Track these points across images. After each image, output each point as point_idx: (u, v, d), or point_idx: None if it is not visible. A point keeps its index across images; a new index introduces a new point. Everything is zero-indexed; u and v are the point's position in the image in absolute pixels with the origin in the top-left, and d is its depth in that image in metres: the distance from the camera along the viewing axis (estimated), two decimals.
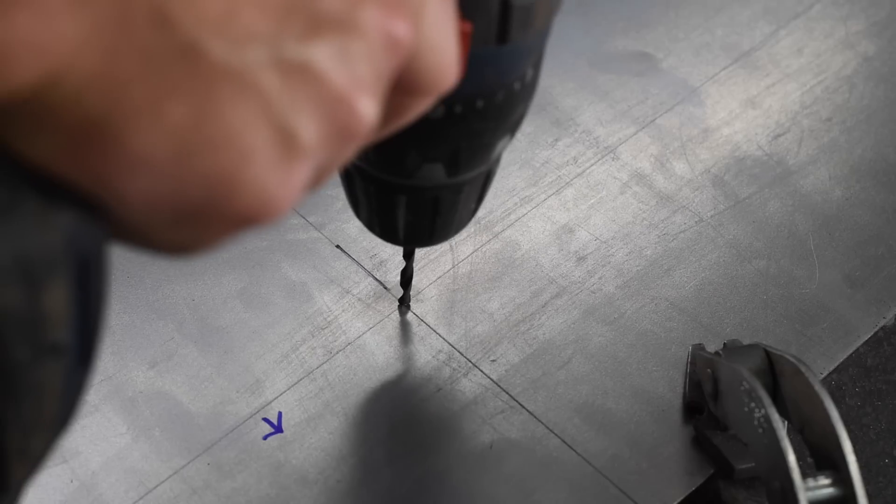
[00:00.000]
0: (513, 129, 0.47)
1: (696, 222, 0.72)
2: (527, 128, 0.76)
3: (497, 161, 0.51)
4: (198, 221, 0.28)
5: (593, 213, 0.72)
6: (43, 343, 0.26)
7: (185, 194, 0.27)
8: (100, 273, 0.28)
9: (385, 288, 0.68)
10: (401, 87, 0.31)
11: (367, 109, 0.29)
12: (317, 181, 0.31)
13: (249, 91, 0.26)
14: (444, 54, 0.32)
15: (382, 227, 0.54)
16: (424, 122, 0.43)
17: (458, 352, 0.66)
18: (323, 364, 0.65)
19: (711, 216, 0.72)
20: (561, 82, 0.79)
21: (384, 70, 0.29)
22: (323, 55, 0.27)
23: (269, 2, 0.26)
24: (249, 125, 0.27)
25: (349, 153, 0.30)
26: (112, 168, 0.26)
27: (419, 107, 0.33)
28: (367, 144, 0.34)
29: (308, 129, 0.28)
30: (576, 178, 0.74)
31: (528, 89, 0.45)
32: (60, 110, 0.25)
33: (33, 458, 0.28)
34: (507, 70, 0.43)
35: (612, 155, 0.75)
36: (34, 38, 0.24)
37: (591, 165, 0.75)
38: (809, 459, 0.56)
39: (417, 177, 0.48)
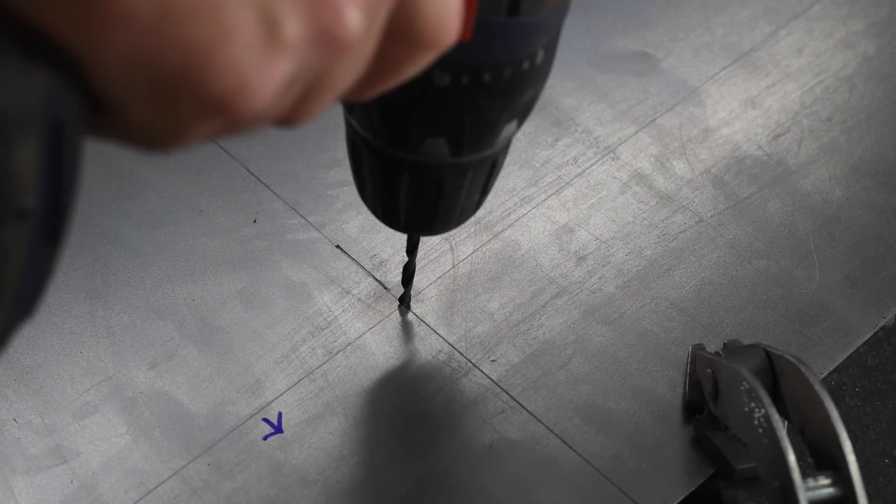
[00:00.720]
0: (521, 114, 0.47)
1: (696, 222, 0.72)
2: (527, 128, 0.76)
3: (504, 151, 0.51)
4: (172, 96, 0.28)
5: (593, 213, 0.72)
6: (9, 204, 0.26)
7: (163, 60, 0.27)
8: (73, 145, 0.28)
9: (385, 288, 0.68)
10: (396, 33, 0.32)
11: (353, 19, 0.29)
12: (295, 91, 0.31)
13: None
14: (444, 4, 0.32)
15: (385, 208, 0.53)
16: (430, 89, 0.43)
17: (458, 352, 0.66)
18: (323, 364, 0.65)
19: (711, 216, 0.72)
20: (561, 82, 0.79)
21: None
22: None
23: None
24: (234, 2, 0.27)
25: (335, 68, 0.30)
26: (94, 22, 0.26)
27: (416, 61, 0.33)
28: (369, 99, 0.34)
29: (292, 22, 0.28)
30: (576, 178, 0.74)
31: (538, 72, 0.45)
32: None
33: None
34: (516, 45, 0.42)
35: (612, 155, 0.75)
36: None
37: (591, 165, 0.75)
38: (809, 459, 0.56)
39: (421, 152, 0.48)
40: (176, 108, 0.28)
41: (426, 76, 0.42)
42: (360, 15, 0.29)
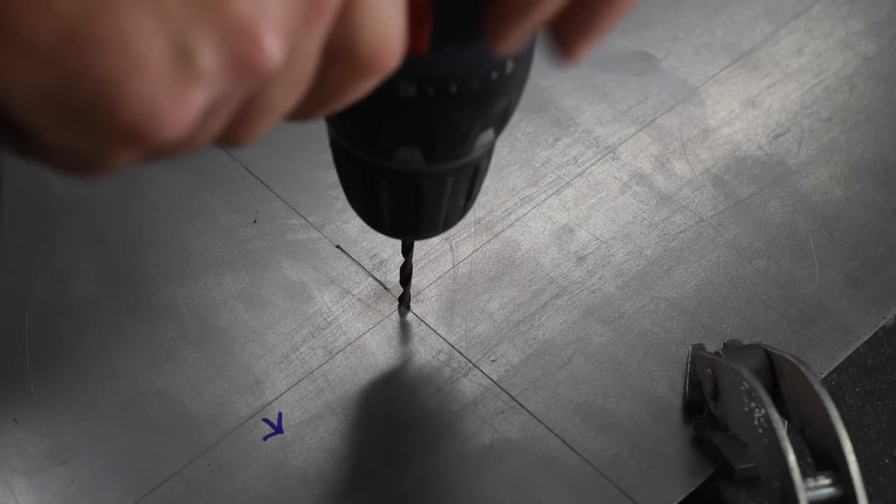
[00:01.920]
0: (496, 122, 0.46)
1: (696, 222, 0.72)
2: (527, 128, 0.76)
3: (486, 157, 0.50)
4: (83, 125, 0.27)
5: (593, 213, 0.72)
6: None
7: (69, 89, 0.27)
8: None
9: (385, 288, 0.68)
10: (336, 55, 0.31)
11: (272, 47, 0.28)
12: (223, 117, 0.30)
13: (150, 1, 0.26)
14: (385, 26, 0.31)
15: (369, 213, 0.53)
16: (396, 99, 0.43)
17: (458, 352, 0.66)
18: (323, 364, 0.65)
19: (711, 216, 0.72)
20: (561, 82, 0.79)
21: (297, 12, 0.28)
22: None
23: None
24: (144, 32, 0.26)
25: (255, 91, 0.30)
26: (1, 52, 0.26)
27: (360, 84, 0.32)
28: (312, 116, 0.33)
29: (207, 52, 0.27)
30: (576, 178, 0.74)
31: (510, 81, 0.44)
32: None
33: None
34: (480, 57, 0.41)
35: (612, 155, 0.75)
36: None
37: (591, 165, 0.75)
38: (809, 459, 0.56)
39: (396, 160, 0.47)
40: (88, 137, 0.28)
41: (392, 87, 0.42)
42: (280, 42, 0.28)
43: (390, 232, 0.55)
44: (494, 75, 0.42)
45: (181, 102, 0.28)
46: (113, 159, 0.29)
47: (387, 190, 0.50)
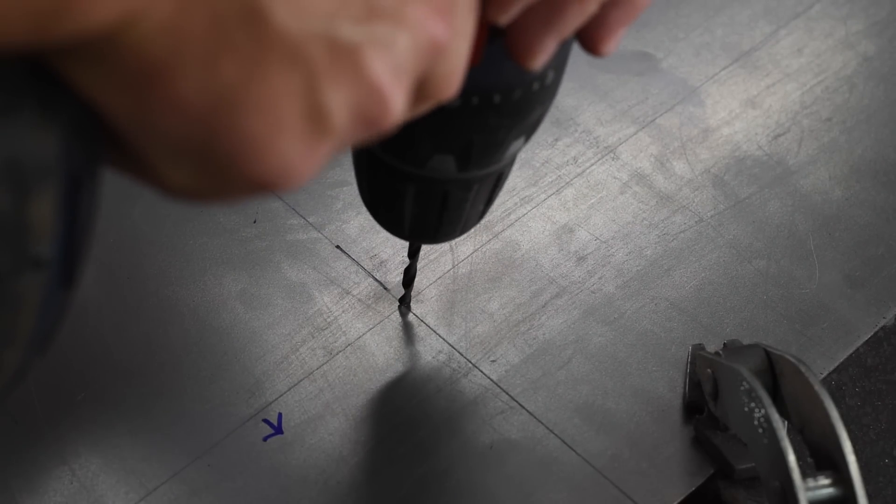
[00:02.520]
0: (529, 131, 0.47)
1: (696, 222, 0.72)
2: None
3: (510, 164, 0.51)
4: (216, 176, 0.28)
5: (593, 213, 0.72)
6: (25, 253, 0.27)
7: (211, 146, 0.28)
8: (90, 193, 0.29)
9: (385, 288, 0.68)
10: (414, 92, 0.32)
11: (398, 103, 0.29)
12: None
13: (299, 63, 0.27)
14: (458, 60, 0.32)
15: (390, 218, 0.54)
16: (440, 110, 0.43)
17: (458, 352, 0.66)
18: (323, 365, 0.65)
19: (711, 216, 0.72)
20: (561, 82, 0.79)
21: (418, 67, 0.30)
22: (371, 41, 0.28)
23: None
24: (290, 96, 0.27)
25: (364, 139, 0.31)
26: (150, 106, 0.27)
27: (419, 109, 0.33)
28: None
29: (341, 111, 0.29)
30: (576, 177, 0.74)
31: (548, 92, 0.45)
32: (126, 51, 0.26)
33: (6, 372, 0.28)
34: (524, 69, 0.42)
35: (612, 155, 0.75)
36: None
37: (591, 165, 0.75)
38: (809, 459, 0.56)
39: (428, 167, 0.48)
40: (216, 184, 0.29)
41: None
42: (404, 96, 0.30)
43: (408, 237, 0.55)
44: (536, 86, 0.44)
45: (312, 157, 0.29)
46: (224, 200, 0.30)
47: (412, 195, 0.50)
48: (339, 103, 0.28)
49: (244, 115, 0.27)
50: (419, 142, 0.46)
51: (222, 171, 0.28)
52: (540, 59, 0.37)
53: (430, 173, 0.48)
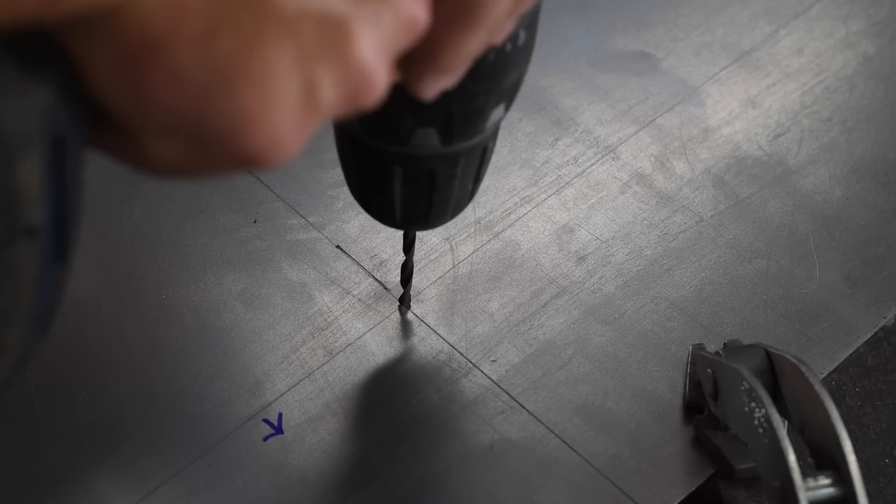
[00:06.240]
0: (508, 97, 0.48)
1: (696, 222, 0.72)
2: (527, 128, 0.76)
3: (493, 137, 0.51)
4: (206, 149, 0.29)
5: (593, 213, 0.72)
6: (16, 221, 0.27)
7: (205, 120, 0.28)
8: (76, 157, 0.29)
9: (385, 288, 0.68)
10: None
11: (381, 83, 0.30)
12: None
13: (293, 38, 0.27)
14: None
15: (379, 205, 0.54)
16: None
17: (459, 352, 0.66)
18: (323, 365, 0.65)
19: (711, 216, 0.72)
20: (561, 82, 0.79)
21: (398, 46, 0.31)
22: (360, 16, 0.29)
23: None
24: (284, 70, 0.28)
25: (348, 115, 0.31)
26: (152, 80, 0.27)
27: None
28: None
29: (329, 87, 0.29)
30: (576, 177, 0.74)
31: (521, 53, 0.46)
32: (129, 24, 0.26)
33: (8, 353, 0.29)
34: None
35: (612, 155, 0.75)
36: None
37: (592, 165, 0.75)
38: (809, 459, 0.56)
39: (412, 144, 0.48)
40: (202, 159, 0.29)
41: None
42: (386, 76, 0.30)
43: (401, 224, 0.55)
44: (508, 47, 0.44)
45: (301, 132, 0.29)
46: (207, 173, 0.30)
47: (400, 177, 0.50)
48: (328, 80, 0.29)
49: (239, 89, 0.27)
50: (400, 117, 0.47)
51: (212, 145, 0.29)
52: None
53: (415, 150, 0.49)
